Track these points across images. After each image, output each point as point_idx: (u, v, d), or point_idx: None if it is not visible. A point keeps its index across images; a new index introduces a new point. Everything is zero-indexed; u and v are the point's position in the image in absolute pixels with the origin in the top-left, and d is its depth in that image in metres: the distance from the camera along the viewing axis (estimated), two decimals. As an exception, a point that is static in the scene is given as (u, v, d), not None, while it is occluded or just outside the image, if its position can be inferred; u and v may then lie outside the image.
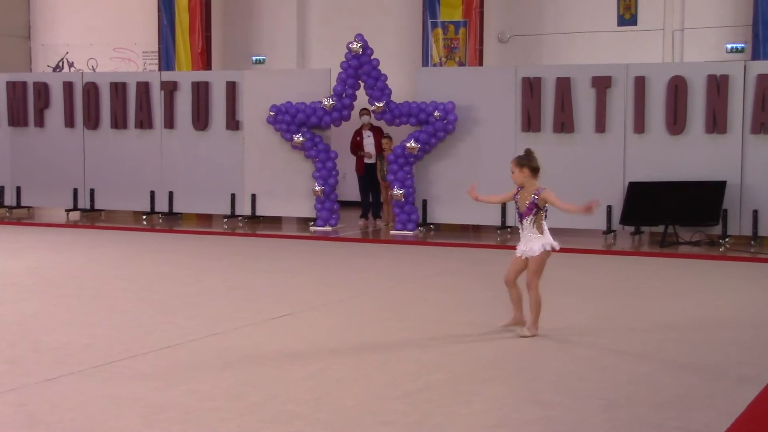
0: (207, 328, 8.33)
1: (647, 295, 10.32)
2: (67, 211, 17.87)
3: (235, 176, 16.69)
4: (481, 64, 18.79)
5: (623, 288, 10.82)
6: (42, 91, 17.93)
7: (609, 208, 14.57)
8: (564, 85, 14.77)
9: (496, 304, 9.62)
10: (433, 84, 15.63)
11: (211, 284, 10.74)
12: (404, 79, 17.82)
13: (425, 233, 15.49)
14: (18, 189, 18.07)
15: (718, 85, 14.10)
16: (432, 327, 8.47)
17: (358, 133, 16.83)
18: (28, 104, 18.03)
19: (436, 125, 15.13)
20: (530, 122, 14.98)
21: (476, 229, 16.17)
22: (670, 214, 14.19)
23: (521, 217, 8.42)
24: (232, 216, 16.73)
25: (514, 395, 6.25)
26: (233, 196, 16.68)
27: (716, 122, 14.13)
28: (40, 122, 18.00)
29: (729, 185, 14.03)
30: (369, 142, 16.72)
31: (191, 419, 5.70)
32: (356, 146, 16.86)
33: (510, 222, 15.09)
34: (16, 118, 18.05)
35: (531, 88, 14.96)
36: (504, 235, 15.14)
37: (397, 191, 15.28)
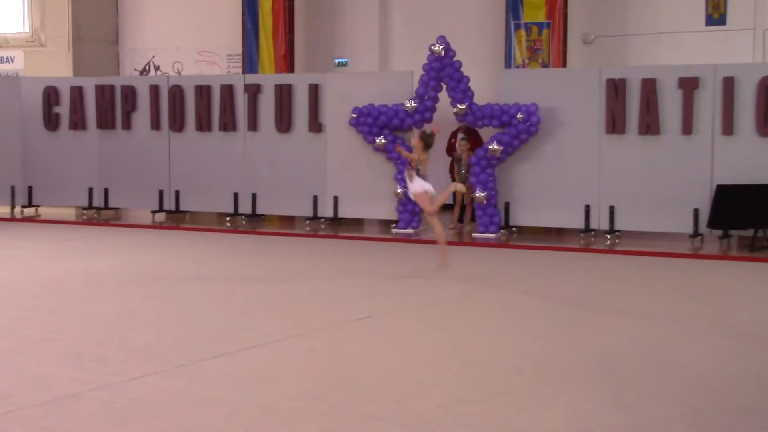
0: (289, 329, 8.38)
1: (735, 301, 10.10)
2: (153, 212, 18.15)
3: (317, 178, 16.77)
4: (564, 65, 18.61)
5: (710, 292, 10.61)
6: (129, 94, 18.23)
7: (696, 211, 14.29)
8: (649, 87, 14.53)
9: (579, 307, 9.52)
10: (516, 86, 15.51)
11: (292, 285, 10.81)
12: (487, 80, 17.73)
13: (507, 236, 15.38)
14: (106, 190, 18.41)
15: (809, 86, 13.74)
16: (513, 331, 8.41)
17: (453, 135, 16.81)
18: (115, 107, 18.35)
19: (518, 127, 15.02)
20: (615, 124, 14.77)
21: (559, 232, 16.00)
22: (760, 218, 13.86)
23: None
24: (315, 218, 16.81)
25: (596, 400, 6.17)
26: (315, 198, 16.76)
27: (808, 123, 13.77)
28: (127, 125, 18.30)
29: (821, 188, 13.66)
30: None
31: (273, 419, 5.74)
32: (451, 148, 16.84)
33: (594, 225, 14.90)
34: (104, 121, 18.39)
35: (615, 89, 14.75)
36: (587, 238, 14.95)
37: (480, 193, 15.20)
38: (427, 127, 12.24)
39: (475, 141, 16.47)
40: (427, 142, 11.57)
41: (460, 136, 16.69)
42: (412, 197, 12.02)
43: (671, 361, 7.29)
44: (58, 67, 22.26)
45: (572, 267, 12.52)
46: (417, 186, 11.60)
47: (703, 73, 14.35)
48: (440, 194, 11.68)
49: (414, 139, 11.93)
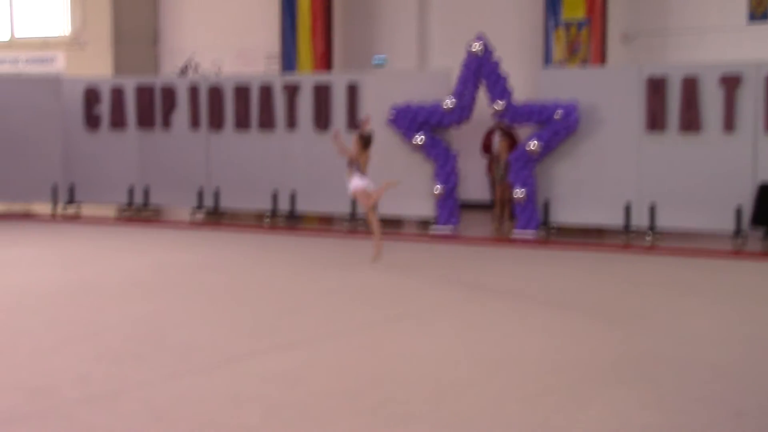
0: (325, 328, 8.39)
1: (778, 300, 9.97)
2: (193, 210, 18.24)
3: (355, 177, 16.74)
4: (604, 63, 18.48)
5: (752, 292, 10.48)
6: (168, 94, 18.35)
7: (738, 210, 14.13)
8: (690, 85, 14.39)
9: (617, 307, 9.44)
10: (554, 84, 15.42)
11: (330, 284, 10.82)
12: (525, 78, 17.64)
13: (546, 234, 15.30)
14: (146, 189, 18.55)
15: None
16: (549, 330, 8.35)
17: (489, 134, 16.74)
18: (155, 107, 18.48)
19: (557, 125, 14.93)
20: (655, 121, 14.65)
21: (599, 230, 15.88)
22: (803, 216, 13.69)
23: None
24: (353, 217, 16.82)
25: (635, 400, 6.10)
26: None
27: None
28: (166, 124, 18.42)
29: None
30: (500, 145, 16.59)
31: (310, 417, 5.74)
32: (486, 147, 16.78)
33: (634, 223, 14.77)
34: (144, 121, 18.52)
35: (656, 87, 14.62)
36: (627, 236, 14.83)
37: (519, 192, 15.13)
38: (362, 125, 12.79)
39: (511, 141, 16.42)
40: (366, 141, 12.21)
41: (499, 134, 16.64)
42: (350, 194, 12.50)
43: (713, 362, 7.20)
44: (98, 67, 22.48)
45: (611, 266, 12.42)
46: (356, 183, 12.17)
47: (746, 71, 14.18)
48: (376, 189, 12.29)
49: (353, 138, 12.42)
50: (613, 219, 15.02)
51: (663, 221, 14.67)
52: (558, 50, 18.67)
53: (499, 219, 16.66)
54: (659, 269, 12.10)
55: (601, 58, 18.45)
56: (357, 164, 12.23)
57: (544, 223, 15.42)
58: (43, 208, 19.23)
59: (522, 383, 6.51)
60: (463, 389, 6.37)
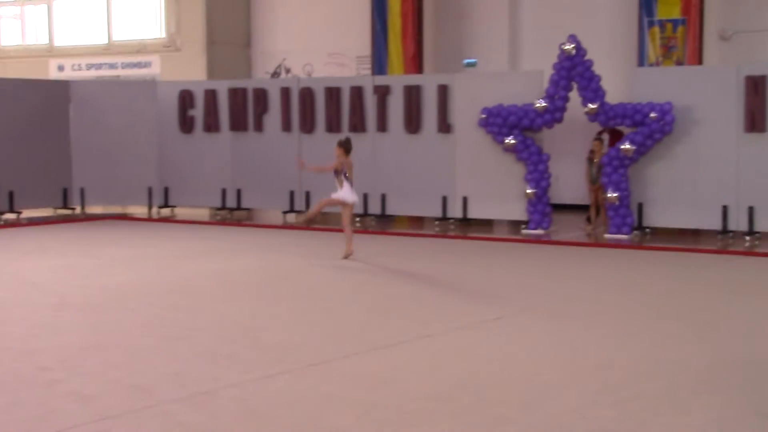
0: (418, 329, 8.38)
1: None
2: (284, 212, 18.41)
3: (446, 179, 16.73)
4: (700, 63, 18.11)
5: None
6: (261, 96, 18.54)
7: (840, 212, 13.73)
8: (791, 83, 14.03)
9: (713, 311, 9.25)
10: (649, 84, 15.17)
11: (421, 286, 10.80)
12: (619, 79, 17.38)
13: (641, 237, 15.06)
14: (238, 191, 18.78)
15: None
16: (645, 335, 8.21)
17: (598, 135, 16.56)
18: (247, 109, 18.69)
19: (652, 126, 14.68)
20: (754, 122, 14.30)
21: (695, 233, 15.57)
22: None
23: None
24: (444, 218, 16.79)
25: (735, 407, 5.96)
26: (444, 198, 16.74)
27: None
28: (258, 127, 18.62)
29: None
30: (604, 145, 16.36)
31: (403, 419, 5.74)
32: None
33: (732, 226, 14.45)
34: (237, 123, 18.75)
35: (755, 86, 14.28)
36: (725, 240, 14.51)
37: (612, 194, 14.92)
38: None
39: (614, 140, 16.11)
40: (347, 147, 12.56)
41: (605, 137, 16.40)
42: (336, 199, 12.78)
43: (815, 367, 7.01)
44: (192, 70, 22.86)
45: (708, 269, 12.17)
46: (345, 193, 12.60)
47: None
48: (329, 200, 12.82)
49: (335, 149, 12.66)
50: (710, 222, 14.71)
51: (762, 224, 14.32)
52: (653, 50, 18.36)
53: (593, 221, 16.43)
54: (758, 273, 11.82)
55: (698, 57, 18.08)
56: (344, 173, 12.55)
57: (638, 226, 15.18)
58: (138, 210, 19.60)
59: (616, 388, 6.41)
60: (556, 393, 6.30)
